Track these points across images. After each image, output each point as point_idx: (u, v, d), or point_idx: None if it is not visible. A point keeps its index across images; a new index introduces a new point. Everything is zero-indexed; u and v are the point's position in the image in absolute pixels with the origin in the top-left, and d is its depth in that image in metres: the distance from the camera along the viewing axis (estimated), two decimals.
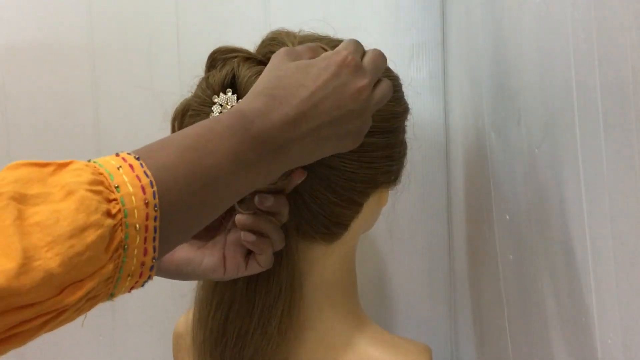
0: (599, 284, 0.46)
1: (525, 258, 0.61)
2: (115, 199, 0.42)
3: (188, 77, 0.66)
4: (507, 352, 0.69)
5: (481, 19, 0.72)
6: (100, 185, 0.42)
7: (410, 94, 0.72)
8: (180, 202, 0.46)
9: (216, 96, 0.61)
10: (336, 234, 0.67)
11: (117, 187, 0.43)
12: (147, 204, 0.43)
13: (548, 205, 0.55)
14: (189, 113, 0.63)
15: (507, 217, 0.66)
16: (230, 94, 0.61)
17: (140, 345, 0.95)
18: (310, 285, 0.68)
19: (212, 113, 0.61)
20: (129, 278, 0.44)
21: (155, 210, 0.44)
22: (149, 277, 0.46)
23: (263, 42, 0.65)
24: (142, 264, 0.44)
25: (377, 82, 0.60)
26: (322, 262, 0.68)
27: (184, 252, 0.62)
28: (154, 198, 0.44)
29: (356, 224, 0.68)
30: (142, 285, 0.46)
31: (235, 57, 0.63)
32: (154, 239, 0.44)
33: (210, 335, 0.65)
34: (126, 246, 0.43)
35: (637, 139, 0.38)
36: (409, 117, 0.71)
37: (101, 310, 0.95)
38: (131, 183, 0.43)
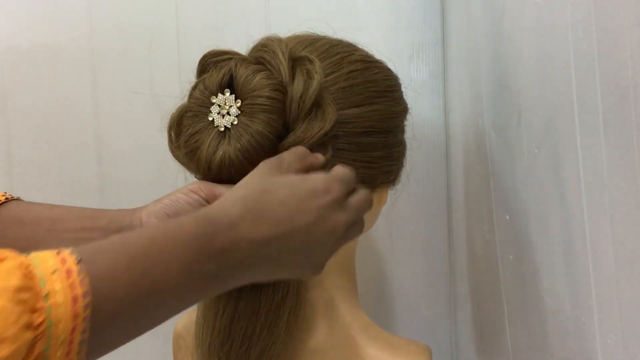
0: (599, 284, 0.46)
1: (525, 258, 0.61)
2: (41, 308, 0.40)
3: (188, 80, 0.66)
4: (507, 352, 0.69)
5: (481, 19, 0.72)
6: (27, 292, 0.40)
7: (410, 94, 0.72)
8: (117, 313, 0.44)
9: (214, 97, 0.61)
10: None
11: (46, 295, 0.40)
12: (75, 317, 0.41)
13: (548, 205, 0.55)
14: (188, 114, 0.63)
15: (507, 217, 0.66)
16: (228, 94, 0.61)
17: (140, 345, 0.95)
18: (310, 284, 0.68)
19: (210, 113, 0.61)
20: None
21: (85, 323, 0.41)
22: None
23: (255, 47, 0.65)
24: None
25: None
26: None
27: None
28: (85, 310, 0.41)
29: None
30: None
31: (227, 59, 0.63)
32: (79, 352, 0.41)
33: (217, 336, 0.65)
34: (47, 358, 0.40)
35: (637, 139, 0.38)
36: (408, 117, 0.71)
37: None
38: (63, 291, 0.41)
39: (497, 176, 0.69)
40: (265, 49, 0.63)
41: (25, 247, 0.55)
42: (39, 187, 0.94)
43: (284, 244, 0.51)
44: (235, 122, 0.60)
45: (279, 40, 0.64)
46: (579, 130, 0.47)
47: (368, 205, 0.58)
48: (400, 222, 0.96)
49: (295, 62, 0.62)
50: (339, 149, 0.63)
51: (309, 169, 0.58)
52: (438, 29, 0.93)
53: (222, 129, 0.60)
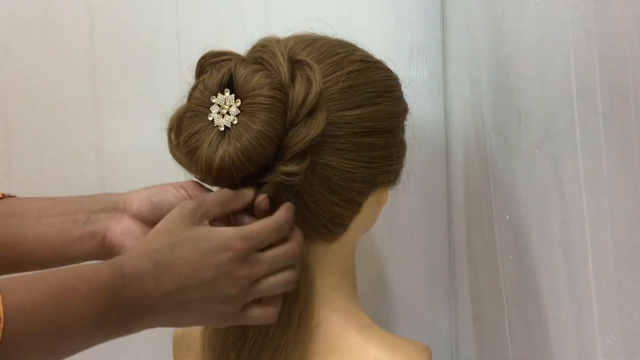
0: (599, 284, 0.46)
1: (525, 258, 0.61)
2: None
3: (187, 81, 0.66)
4: (507, 353, 0.69)
5: (481, 19, 0.72)
6: None
7: (410, 94, 0.72)
8: (27, 345, 0.46)
9: (214, 97, 0.61)
10: (335, 233, 0.67)
11: None
12: None
13: (548, 205, 0.55)
14: (188, 114, 0.63)
15: (507, 217, 0.66)
16: (228, 94, 0.61)
17: (140, 345, 0.95)
18: (310, 284, 0.68)
19: (210, 113, 0.61)
20: None
21: None
22: None
23: (253, 47, 0.65)
24: None
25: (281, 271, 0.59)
26: (322, 261, 0.68)
27: None
28: None
29: (355, 224, 0.68)
30: None
31: (225, 60, 0.63)
32: None
33: (231, 336, 0.65)
34: None
35: (637, 139, 0.38)
36: (408, 117, 0.71)
37: None
38: None
39: (497, 176, 0.69)
40: (264, 49, 0.63)
41: (15, 235, 0.61)
42: (39, 187, 0.94)
43: (186, 297, 0.55)
44: (235, 122, 0.60)
45: (277, 40, 0.64)
46: (579, 130, 0.47)
47: (289, 257, 0.59)
48: (400, 222, 0.96)
49: (295, 64, 0.62)
50: (338, 149, 0.63)
51: (233, 212, 0.60)
52: (438, 29, 0.93)
53: (222, 128, 0.60)
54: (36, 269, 0.63)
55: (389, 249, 0.97)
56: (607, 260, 0.44)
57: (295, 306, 0.64)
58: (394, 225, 0.96)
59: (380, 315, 0.97)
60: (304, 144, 0.60)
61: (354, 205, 0.66)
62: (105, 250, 0.63)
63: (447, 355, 0.98)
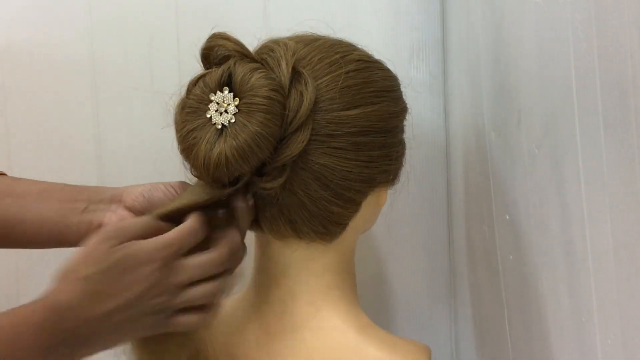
0: (599, 284, 0.46)
1: (525, 258, 0.61)
2: None
3: (188, 78, 0.66)
4: (507, 352, 0.69)
5: (481, 19, 0.72)
6: None
7: (410, 94, 0.72)
8: None
9: (213, 94, 0.61)
10: (334, 233, 0.67)
11: None
12: None
13: (548, 205, 0.55)
14: (186, 110, 0.63)
15: (507, 217, 0.66)
16: (226, 92, 0.61)
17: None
18: (309, 285, 0.68)
19: (209, 111, 0.61)
20: None
21: None
22: None
23: (261, 47, 0.65)
24: None
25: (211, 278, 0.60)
26: (321, 261, 0.68)
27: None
28: None
29: (355, 224, 0.68)
30: None
31: (229, 51, 0.63)
32: None
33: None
34: None
35: (637, 139, 0.38)
36: (408, 117, 0.71)
37: None
38: None
39: (497, 176, 0.69)
40: (271, 53, 0.63)
41: (14, 214, 0.63)
42: None
43: (122, 315, 0.56)
44: (233, 120, 0.60)
45: (285, 45, 0.63)
46: (579, 130, 0.47)
47: (213, 265, 0.60)
48: (399, 221, 0.96)
49: (295, 75, 0.62)
50: (336, 148, 0.63)
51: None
52: (438, 29, 0.93)
53: (220, 126, 0.60)
54: (32, 248, 0.68)
55: (388, 248, 0.97)
56: (607, 260, 0.44)
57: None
58: (394, 225, 0.96)
59: (380, 315, 0.97)
60: (285, 159, 0.61)
61: (352, 205, 0.66)
62: None
63: (447, 355, 0.98)
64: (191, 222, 0.60)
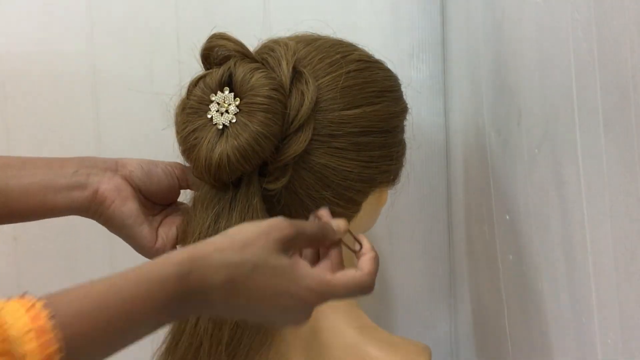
0: (599, 284, 0.46)
1: (525, 258, 0.61)
2: None
3: (188, 78, 0.66)
4: (507, 352, 0.69)
5: (481, 19, 0.72)
6: (6, 356, 0.41)
7: (410, 94, 0.72)
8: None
9: (214, 94, 0.61)
10: None
11: (22, 357, 0.41)
12: None
13: (548, 205, 0.55)
14: (187, 111, 0.63)
15: (507, 217, 0.66)
16: (227, 92, 0.61)
17: (140, 345, 0.95)
18: None
19: (209, 111, 0.61)
20: None
21: None
22: None
23: (262, 47, 0.65)
24: None
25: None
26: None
27: (135, 206, 0.63)
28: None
29: (355, 224, 0.68)
30: None
31: (229, 51, 0.63)
32: None
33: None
34: None
35: (637, 139, 0.38)
36: (408, 116, 0.71)
37: None
38: (38, 351, 0.42)
39: (497, 176, 0.69)
40: (272, 52, 0.63)
41: None
42: None
43: (249, 314, 0.54)
44: (234, 120, 0.60)
45: (286, 45, 0.63)
46: (579, 130, 0.47)
47: (362, 288, 0.56)
48: (400, 222, 0.96)
49: (296, 74, 0.62)
50: (337, 148, 0.63)
51: (322, 246, 0.58)
52: (438, 29, 0.93)
53: (221, 126, 0.60)
54: (16, 222, 0.64)
55: (388, 248, 0.97)
56: (607, 260, 0.44)
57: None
58: (394, 225, 0.96)
59: (380, 315, 0.97)
60: (287, 159, 0.61)
61: (353, 205, 0.66)
62: (95, 203, 0.62)
63: (447, 355, 0.98)
64: (368, 277, 0.57)
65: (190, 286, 0.49)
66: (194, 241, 0.61)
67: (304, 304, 0.53)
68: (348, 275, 0.55)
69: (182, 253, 0.50)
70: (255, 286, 0.51)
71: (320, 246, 0.57)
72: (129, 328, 0.48)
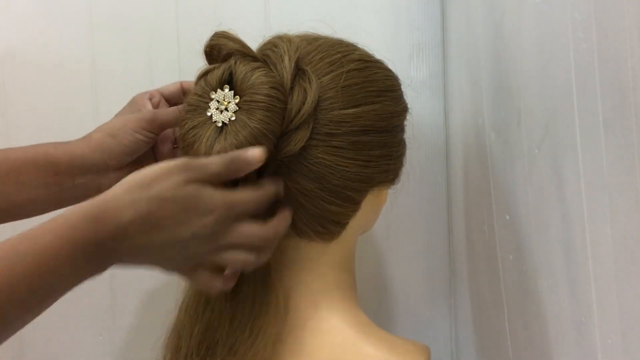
0: (599, 284, 0.46)
1: (525, 258, 0.61)
2: None
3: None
4: (507, 352, 0.69)
5: (481, 19, 0.72)
6: None
7: (410, 94, 0.72)
8: (13, 313, 0.48)
9: (214, 92, 0.62)
10: (334, 233, 0.67)
11: None
12: None
13: (548, 205, 0.55)
14: (187, 108, 0.63)
15: (507, 217, 0.66)
16: (227, 90, 0.61)
17: (140, 345, 0.95)
18: (309, 284, 0.68)
19: (209, 109, 0.61)
20: None
21: None
22: None
23: (266, 43, 0.65)
24: None
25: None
26: (321, 260, 0.68)
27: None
28: None
29: (354, 223, 0.68)
30: None
31: (229, 50, 0.63)
32: None
33: (198, 341, 0.65)
34: None
35: (637, 139, 0.38)
36: (408, 117, 0.71)
37: (101, 311, 0.95)
38: None
39: (497, 176, 0.69)
40: (274, 48, 0.63)
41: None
42: None
43: (160, 251, 0.56)
44: (234, 118, 0.60)
45: (289, 41, 0.64)
46: (579, 130, 0.47)
47: (262, 239, 0.59)
48: (399, 222, 0.96)
49: (298, 72, 0.62)
50: (336, 147, 0.63)
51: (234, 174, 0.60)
52: (438, 29, 0.93)
53: (220, 124, 0.60)
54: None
55: (388, 248, 0.97)
56: (607, 260, 0.44)
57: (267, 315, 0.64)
58: (394, 225, 0.96)
59: (380, 315, 0.97)
60: (284, 157, 0.61)
61: (351, 204, 0.66)
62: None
63: (447, 355, 0.98)
64: (265, 192, 0.60)
65: (104, 227, 0.52)
66: None
67: (214, 220, 0.56)
68: (247, 190, 0.59)
69: (92, 199, 0.53)
70: (166, 216, 0.55)
71: (235, 177, 0.59)
72: (46, 279, 0.49)
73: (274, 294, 0.65)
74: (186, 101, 0.64)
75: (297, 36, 0.67)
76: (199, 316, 0.65)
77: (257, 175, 0.61)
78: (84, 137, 0.71)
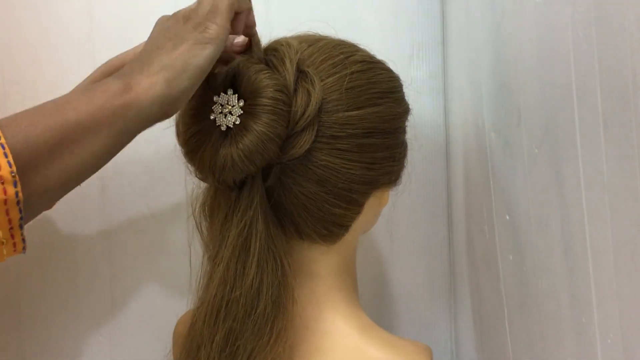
0: (599, 284, 0.46)
1: (525, 258, 0.61)
2: None
3: None
4: (507, 353, 0.69)
5: (481, 19, 0.72)
6: None
7: (410, 94, 0.72)
8: (41, 167, 0.52)
9: (217, 96, 0.61)
10: (337, 235, 0.67)
11: None
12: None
13: (548, 205, 0.55)
14: (189, 113, 0.63)
15: (507, 217, 0.66)
16: (230, 93, 0.61)
17: (140, 345, 0.95)
18: (312, 287, 0.68)
19: (213, 113, 0.61)
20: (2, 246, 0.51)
21: (13, 176, 0.49)
22: (24, 240, 0.53)
23: (266, 49, 0.65)
24: (11, 229, 0.51)
25: None
26: (323, 262, 0.68)
27: None
28: (10, 167, 0.48)
29: (357, 225, 0.68)
30: (24, 250, 0.53)
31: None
32: (18, 203, 0.50)
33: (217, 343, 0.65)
34: None
35: (637, 139, 0.38)
36: (409, 117, 0.71)
37: (101, 311, 0.95)
38: None
39: (497, 176, 0.69)
40: (275, 53, 0.63)
41: None
42: None
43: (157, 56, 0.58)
44: (238, 122, 0.60)
45: (289, 45, 0.64)
46: (579, 130, 0.47)
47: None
48: (400, 222, 0.96)
49: (300, 74, 0.62)
50: (340, 150, 0.63)
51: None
52: (438, 29, 0.93)
53: (224, 128, 0.60)
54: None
55: (389, 249, 0.97)
56: (607, 260, 0.44)
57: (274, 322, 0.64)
58: (394, 226, 0.96)
59: (380, 315, 0.97)
60: (289, 159, 0.61)
61: (355, 206, 0.66)
62: None
63: (447, 355, 0.98)
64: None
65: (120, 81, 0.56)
66: (214, 245, 0.64)
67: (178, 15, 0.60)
68: None
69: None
70: (149, 40, 0.60)
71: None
72: (80, 132, 0.54)
73: (289, 298, 0.65)
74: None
75: (298, 37, 0.67)
76: (220, 324, 0.64)
77: (262, 179, 0.61)
78: None
